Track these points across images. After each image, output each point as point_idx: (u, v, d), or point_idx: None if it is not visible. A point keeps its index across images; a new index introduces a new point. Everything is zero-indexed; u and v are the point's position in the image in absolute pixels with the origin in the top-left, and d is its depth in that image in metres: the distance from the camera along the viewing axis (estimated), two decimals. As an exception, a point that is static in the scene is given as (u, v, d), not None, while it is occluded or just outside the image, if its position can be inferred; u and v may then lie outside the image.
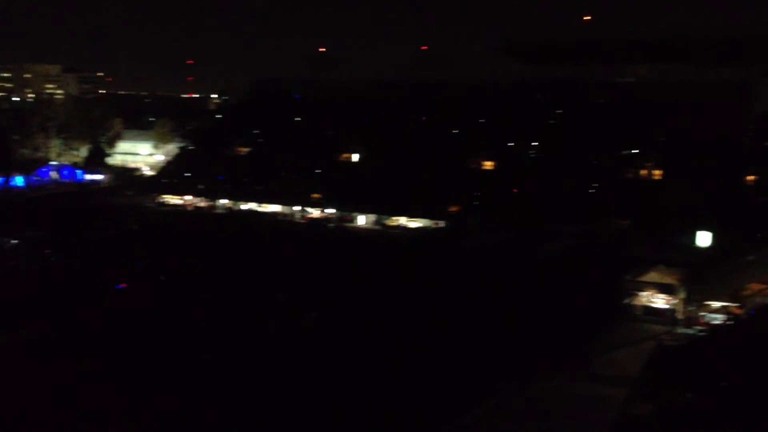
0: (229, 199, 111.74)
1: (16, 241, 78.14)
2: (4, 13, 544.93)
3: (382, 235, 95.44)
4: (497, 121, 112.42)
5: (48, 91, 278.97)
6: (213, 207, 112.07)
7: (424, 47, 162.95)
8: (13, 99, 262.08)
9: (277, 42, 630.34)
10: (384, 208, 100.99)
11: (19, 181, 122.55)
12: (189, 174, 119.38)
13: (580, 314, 54.85)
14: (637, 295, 57.87)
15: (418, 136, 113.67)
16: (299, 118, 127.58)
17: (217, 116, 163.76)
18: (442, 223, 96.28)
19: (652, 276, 57.95)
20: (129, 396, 39.89)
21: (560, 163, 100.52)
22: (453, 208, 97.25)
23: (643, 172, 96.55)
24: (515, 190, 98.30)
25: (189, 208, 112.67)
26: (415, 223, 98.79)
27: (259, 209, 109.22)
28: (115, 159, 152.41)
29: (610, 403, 40.27)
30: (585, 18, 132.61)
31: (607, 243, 76.83)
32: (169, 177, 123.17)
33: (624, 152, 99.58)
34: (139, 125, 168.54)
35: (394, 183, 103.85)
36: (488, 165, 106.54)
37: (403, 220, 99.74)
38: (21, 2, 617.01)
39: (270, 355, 46.92)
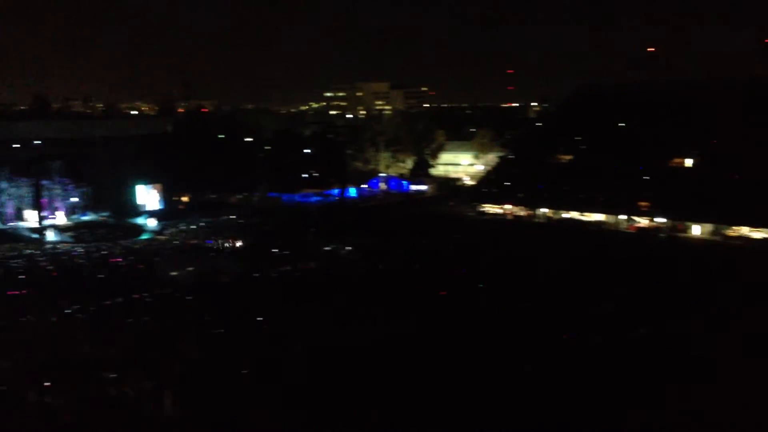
0: (549, 208, 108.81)
1: (349, 248, 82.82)
2: (341, 39, 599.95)
3: (720, 246, 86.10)
4: None
5: (377, 107, 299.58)
6: (532, 216, 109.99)
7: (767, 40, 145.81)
8: (348, 116, 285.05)
9: (600, 45, 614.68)
10: (723, 216, 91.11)
11: (352, 192, 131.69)
12: (508, 183, 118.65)
13: None
14: None
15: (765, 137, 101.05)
16: (624, 123, 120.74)
17: (536, 124, 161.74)
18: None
19: None
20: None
21: None
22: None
23: None
24: None
25: (508, 217, 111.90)
26: (760, 234, 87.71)
27: (581, 218, 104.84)
28: (438, 169, 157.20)
29: None
30: None
31: None
32: (488, 186, 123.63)
33: None
34: (460, 136, 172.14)
35: (735, 189, 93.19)
36: None
37: (745, 230, 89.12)
38: (353, 27, 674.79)
39: (595, 369, 43.04)
